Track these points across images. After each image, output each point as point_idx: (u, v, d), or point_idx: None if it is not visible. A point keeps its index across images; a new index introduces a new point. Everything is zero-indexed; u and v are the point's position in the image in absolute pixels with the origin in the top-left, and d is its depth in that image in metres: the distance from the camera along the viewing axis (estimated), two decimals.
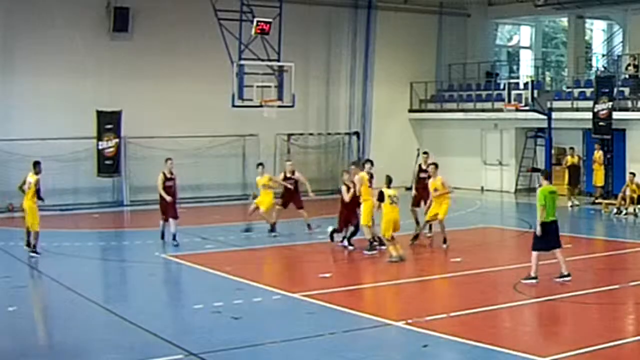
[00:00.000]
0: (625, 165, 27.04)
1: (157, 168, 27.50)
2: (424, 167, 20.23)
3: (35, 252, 17.97)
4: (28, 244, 18.31)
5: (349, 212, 18.44)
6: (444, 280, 15.47)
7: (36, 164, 18.76)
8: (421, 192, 19.98)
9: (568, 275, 14.75)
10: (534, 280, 14.57)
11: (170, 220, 19.24)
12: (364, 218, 18.04)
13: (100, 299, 14.09)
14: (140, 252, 18.86)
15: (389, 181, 17.17)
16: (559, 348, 10.64)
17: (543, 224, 14.76)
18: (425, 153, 21.17)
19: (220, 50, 24.89)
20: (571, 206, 25.91)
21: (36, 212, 18.39)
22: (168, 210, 19.31)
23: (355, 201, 18.13)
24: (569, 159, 26.97)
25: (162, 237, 19.55)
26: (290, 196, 20.82)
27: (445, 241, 18.48)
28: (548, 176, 15.71)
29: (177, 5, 28.63)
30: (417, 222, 19.88)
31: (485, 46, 36.50)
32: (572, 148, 27.70)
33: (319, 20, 32.01)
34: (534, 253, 14.77)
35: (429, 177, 19.00)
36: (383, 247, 17.69)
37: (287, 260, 18.53)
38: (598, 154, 26.60)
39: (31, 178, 18.47)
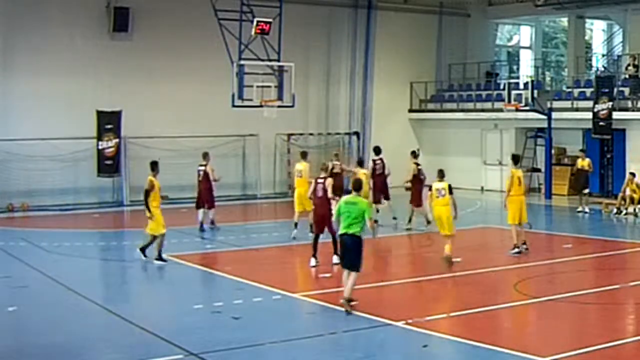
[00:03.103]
0: (625, 165, 27.03)
1: None
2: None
3: (144, 255, 17.16)
4: (143, 250, 17.23)
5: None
6: (444, 280, 15.46)
7: (154, 164, 17.70)
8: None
9: (350, 301, 12.72)
10: (342, 300, 12.88)
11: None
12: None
13: (100, 299, 14.09)
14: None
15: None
16: (559, 348, 10.64)
17: (340, 237, 13.17)
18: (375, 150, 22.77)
19: (220, 50, 24.89)
20: (579, 212, 25.26)
21: (157, 215, 17.17)
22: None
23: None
24: (580, 162, 25.72)
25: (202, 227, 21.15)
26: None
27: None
28: (358, 186, 13.36)
29: (177, 5, 28.64)
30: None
31: (485, 46, 36.51)
32: (582, 150, 26.88)
33: (319, 20, 32.02)
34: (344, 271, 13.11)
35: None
36: None
37: (287, 260, 18.53)
38: None
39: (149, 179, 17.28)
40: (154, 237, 17.07)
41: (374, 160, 22.28)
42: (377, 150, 22.57)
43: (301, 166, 20.95)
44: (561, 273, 16.24)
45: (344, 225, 12.90)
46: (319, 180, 17.01)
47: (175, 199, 27.97)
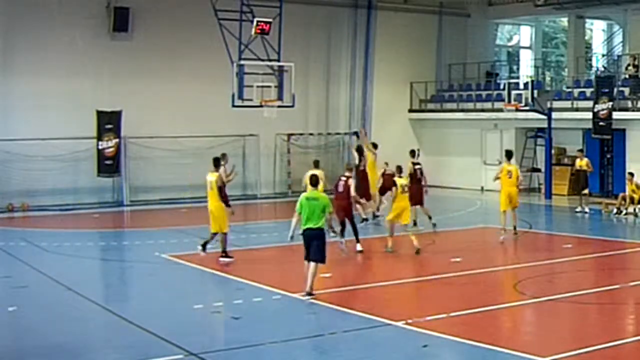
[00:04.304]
0: (625, 165, 27.02)
1: (157, 168, 27.81)
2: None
3: (227, 255, 17.03)
4: (204, 247, 17.23)
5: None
6: (444, 280, 15.46)
7: (216, 160, 17.45)
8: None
9: (310, 294, 13.49)
10: (308, 297, 13.52)
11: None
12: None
13: (100, 299, 14.10)
14: (140, 252, 18.87)
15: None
16: (559, 348, 10.64)
17: (302, 232, 13.67)
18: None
19: (220, 50, 24.89)
20: (578, 212, 25.23)
21: (224, 212, 17.07)
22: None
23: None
24: (578, 162, 25.79)
25: None
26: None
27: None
28: (315, 183, 14.02)
29: (177, 5, 28.64)
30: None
31: (485, 46, 36.52)
32: (580, 150, 27.01)
33: (319, 20, 32.02)
34: (305, 263, 13.77)
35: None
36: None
37: (288, 260, 18.51)
38: None
39: (212, 176, 17.08)
40: (215, 235, 17.14)
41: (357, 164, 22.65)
42: (360, 151, 22.97)
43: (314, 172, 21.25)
44: (561, 273, 16.24)
45: (306, 221, 13.55)
46: (342, 178, 18.52)
47: (175, 199, 28.05)
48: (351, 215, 18.32)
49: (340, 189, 18.25)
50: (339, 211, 17.92)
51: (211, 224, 17.19)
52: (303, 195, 13.94)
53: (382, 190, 22.57)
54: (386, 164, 22.96)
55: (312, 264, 13.58)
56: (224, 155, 21.43)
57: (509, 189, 20.24)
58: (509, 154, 21.31)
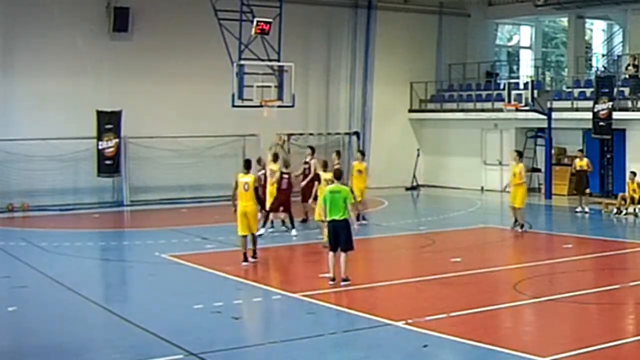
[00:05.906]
0: (625, 165, 27.01)
1: (157, 168, 27.80)
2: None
3: (255, 257, 16.91)
4: (254, 254, 16.81)
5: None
6: (444, 280, 15.45)
7: (247, 162, 17.60)
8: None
9: (346, 280, 14.42)
10: (330, 282, 14.41)
11: None
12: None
13: (100, 299, 14.09)
14: (140, 252, 18.86)
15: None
16: (559, 348, 10.63)
17: (328, 223, 14.63)
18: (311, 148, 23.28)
19: (220, 50, 24.89)
20: (577, 212, 25.19)
21: (257, 214, 17.23)
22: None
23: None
24: (578, 163, 25.73)
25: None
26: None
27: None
28: (340, 176, 15.08)
29: (177, 6, 28.64)
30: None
31: (485, 46, 36.51)
32: (580, 150, 27.01)
33: (319, 20, 32.01)
34: (329, 253, 14.65)
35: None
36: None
37: (287, 260, 18.53)
38: None
39: (247, 177, 16.84)
40: (245, 237, 16.85)
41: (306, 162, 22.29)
42: (313, 150, 22.88)
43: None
44: (561, 273, 16.23)
45: (331, 212, 14.41)
46: (284, 176, 20.54)
47: (175, 199, 28.05)
48: (289, 207, 20.51)
49: (284, 186, 20.43)
50: (280, 204, 20.32)
51: (240, 226, 16.70)
52: (327, 188, 15.15)
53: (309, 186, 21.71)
54: (311, 155, 22.37)
55: (343, 253, 14.42)
56: (259, 159, 21.25)
57: (524, 187, 21.84)
58: (520, 154, 22.71)
